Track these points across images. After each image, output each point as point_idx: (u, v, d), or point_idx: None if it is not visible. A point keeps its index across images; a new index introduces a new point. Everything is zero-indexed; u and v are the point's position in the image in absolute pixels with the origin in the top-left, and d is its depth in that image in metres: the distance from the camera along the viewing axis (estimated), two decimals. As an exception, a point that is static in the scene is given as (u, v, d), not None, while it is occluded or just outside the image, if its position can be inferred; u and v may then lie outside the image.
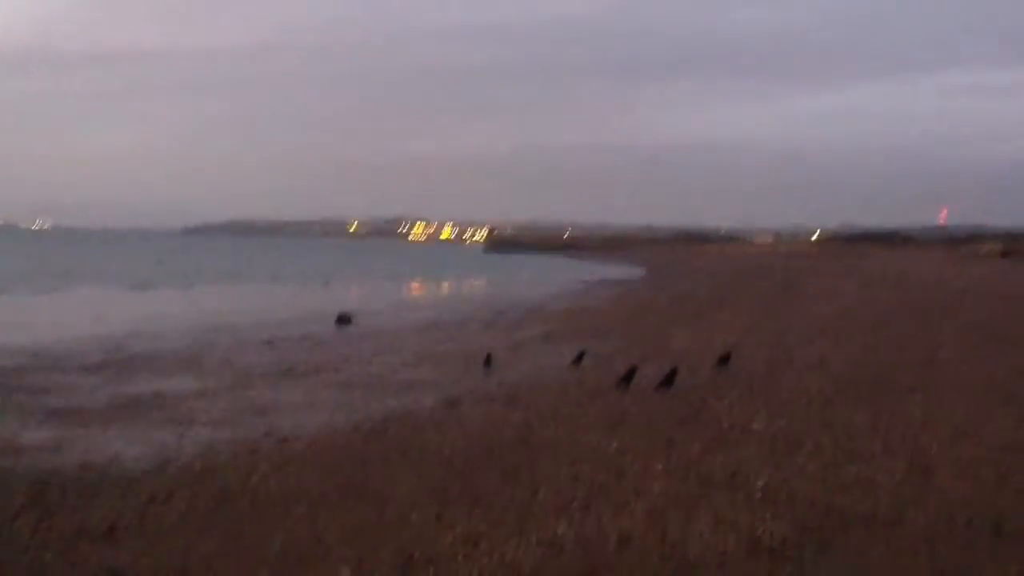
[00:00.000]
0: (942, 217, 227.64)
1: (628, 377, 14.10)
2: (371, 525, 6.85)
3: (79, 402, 13.02)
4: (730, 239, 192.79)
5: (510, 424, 11.16)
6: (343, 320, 26.68)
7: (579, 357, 17.30)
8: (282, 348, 20.41)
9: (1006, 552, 6.15)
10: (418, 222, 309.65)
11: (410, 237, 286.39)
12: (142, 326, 24.45)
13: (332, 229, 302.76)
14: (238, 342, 21.39)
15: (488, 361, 17.21)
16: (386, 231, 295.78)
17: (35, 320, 27.32)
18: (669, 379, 13.66)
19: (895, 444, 9.30)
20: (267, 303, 37.11)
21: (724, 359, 16.15)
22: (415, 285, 56.72)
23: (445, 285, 58.66)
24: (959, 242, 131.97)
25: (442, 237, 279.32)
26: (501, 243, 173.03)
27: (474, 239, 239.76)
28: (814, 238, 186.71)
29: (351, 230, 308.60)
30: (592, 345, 19.42)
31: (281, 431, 10.98)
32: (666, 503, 7.11)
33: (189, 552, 6.30)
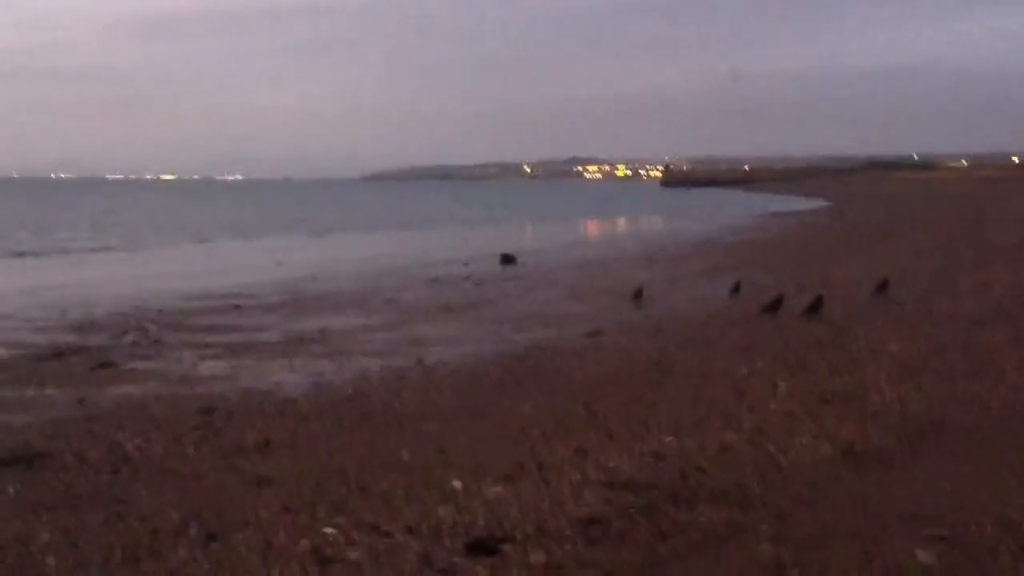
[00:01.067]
0: None
1: (775, 305, 14.16)
2: (491, 440, 7.38)
3: (253, 338, 14.09)
4: (921, 166, 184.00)
5: (646, 351, 11.49)
6: (507, 259, 27.40)
7: (735, 288, 17.39)
8: (445, 286, 21.27)
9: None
10: (592, 162, 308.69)
11: (585, 177, 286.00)
12: (319, 270, 25.79)
13: (507, 172, 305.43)
14: (405, 282, 22.41)
15: (639, 295, 17.52)
16: (561, 172, 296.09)
17: (226, 266, 29.29)
18: (815, 306, 13.66)
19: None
20: (438, 245, 38.37)
21: (882, 286, 15.94)
22: (585, 224, 57.06)
23: (615, 223, 58.83)
24: None
25: (617, 175, 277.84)
26: (677, 179, 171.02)
27: (650, 176, 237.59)
28: (1015, 161, 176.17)
29: (526, 172, 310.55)
30: (752, 276, 19.40)
31: (429, 360, 11.67)
32: (777, 419, 7.35)
33: (330, 462, 6.99)
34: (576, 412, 8.28)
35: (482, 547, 4.87)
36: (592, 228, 53.99)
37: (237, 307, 17.73)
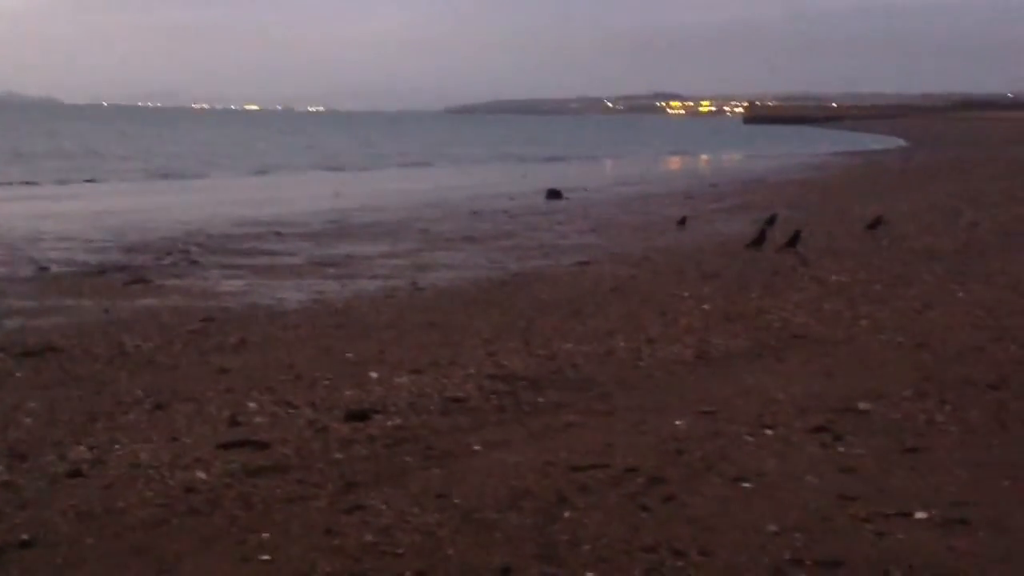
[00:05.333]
0: None
1: (759, 240, 15.08)
2: (429, 345, 8.58)
3: (280, 261, 15.45)
4: (1014, 106, 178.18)
5: (618, 277, 12.56)
6: (553, 194, 28.34)
7: (770, 221, 18.21)
8: (483, 219, 22.38)
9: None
10: (676, 98, 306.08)
11: (668, 112, 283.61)
12: (373, 201, 27.06)
13: (589, 106, 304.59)
14: (448, 213, 23.56)
15: (683, 222, 19.28)
16: (643, 107, 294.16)
17: (287, 195, 30.77)
18: (792, 241, 14.52)
19: (932, 296, 10.03)
20: (497, 179, 39.35)
21: (874, 224, 16.68)
22: (651, 161, 57.47)
23: (682, 160, 59.14)
24: None
25: (701, 111, 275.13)
26: (760, 116, 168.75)
27: (734, 113, 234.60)
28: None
29: (608, 107, 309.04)
30: (783, 214, 20.10)
31: (422, 283, 12.90)
32: (674, 332, 8.43)
33: (285, 358, 8.27)
34: (517, 325, 9.44)
35: (357, 415, 6.16)
36: (655, 165, 54.42)
37: (279, 234, 19.09)
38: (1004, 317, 8.87)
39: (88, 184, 33.82)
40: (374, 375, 7.32)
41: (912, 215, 19.10)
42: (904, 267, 11.99)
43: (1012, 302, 9.63)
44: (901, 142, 75.32)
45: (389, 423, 5.94)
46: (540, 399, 6.35)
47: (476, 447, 5.37)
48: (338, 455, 5.36)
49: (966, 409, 5.94)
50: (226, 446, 5.56)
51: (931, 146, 63.38)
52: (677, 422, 5.58)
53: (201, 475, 5.06)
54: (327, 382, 7.21)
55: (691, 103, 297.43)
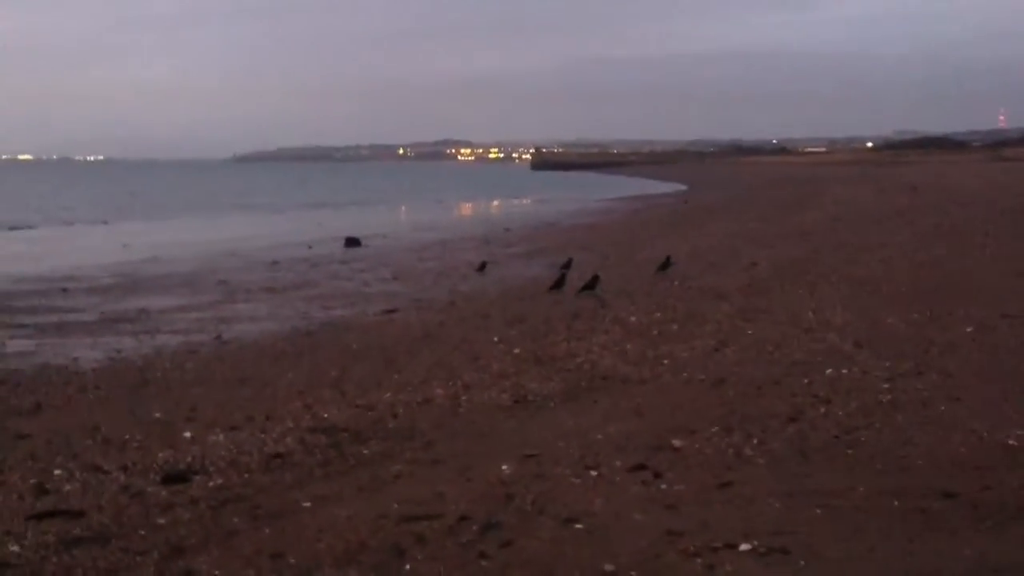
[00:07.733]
0: (1001, 120, 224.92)
1: (559, 283, 15.54)
2: (242, 400, 8.42)
3: (70, 318, 14.72)
4: (780, 151, 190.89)
5: (427, 325, 12.65)
6: (351, 242, 28.20)
7: (566, 265, 18.54)
8: (283, 268, 22.00)
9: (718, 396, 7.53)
10: (465, 145, 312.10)
11: (459, 159, 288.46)
12: (165, 251, 26.11)
13: (381, 153, 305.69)
14: (245, 264, 23.03)
15: (482, 267, 19.53)
16: (434, 154, 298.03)
17: (71, 248, 29.25)
18: (591, 284, 15.04)
19: (724, 333, 10.64)
20: (294, 227, 38.75)
21: (664, 265, 17.47)
22: (445, 207, 58.08)
23: (474, 206, 60.04)
24: (1010, 145, 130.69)
25: (490, 158, 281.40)
26: (546, 162, 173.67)
27: (521, 159, 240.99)
28: (868, 146, 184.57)
29: (399, 153, 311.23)
30: (577, 257, 20.74)
31: (226, 336, 12.58)
32: (489, 377, 8.59)
33: (88, 421, 7.91)
34: (330, 375, 9.37)
35: (175, 477, 5.97)
36: (449, 211, 55.05)
37: (64, 290, 18.18)
38: (792, 351, 9.49)
39: None
40: (188, 434, 7.11)
41: (697, 255, 20.11)
42: (695, 306, 12.62)
43: (796, 336, 10.30)
44: (680, 186, 79.03)
45: (210, 483, 5.81)
46: (365, 450, 6.35)
47: (305, 503, 5.32)
48: (160, 520, 5.19)
49: (770, 441, 6.33)
50: (37, 517, 5.28)
51: (707, 189, 66.78)
52: (503, 467, 5.71)
53: (14, 548, 4.79)
54: (137, 444, 6.95)
55: (480, 150, 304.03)
